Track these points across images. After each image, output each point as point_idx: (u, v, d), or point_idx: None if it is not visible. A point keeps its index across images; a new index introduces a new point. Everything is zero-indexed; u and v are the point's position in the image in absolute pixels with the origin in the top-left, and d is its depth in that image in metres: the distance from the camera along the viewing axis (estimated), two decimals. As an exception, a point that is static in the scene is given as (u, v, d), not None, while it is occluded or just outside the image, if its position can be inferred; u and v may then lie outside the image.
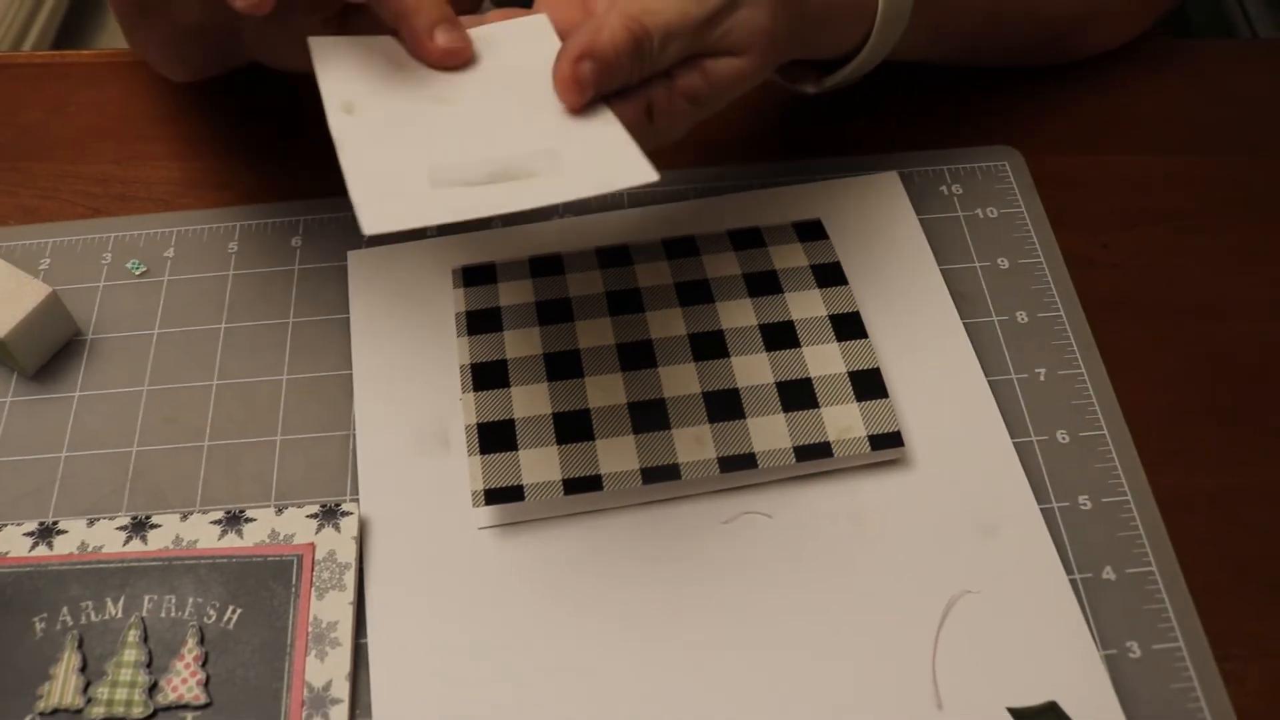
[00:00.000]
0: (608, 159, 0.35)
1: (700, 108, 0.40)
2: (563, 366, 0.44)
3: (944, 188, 0.51)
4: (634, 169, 0.34)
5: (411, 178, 0.35)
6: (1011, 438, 0.43)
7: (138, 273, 0.50)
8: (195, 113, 0.56)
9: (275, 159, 0.53)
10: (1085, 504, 0.42)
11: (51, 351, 0.47)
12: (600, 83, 0.37)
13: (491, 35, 0.40)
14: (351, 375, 0.46)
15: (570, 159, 0.35)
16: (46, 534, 0.42)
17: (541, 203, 0.34)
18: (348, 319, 0.48)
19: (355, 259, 0.50)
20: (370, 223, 0.32)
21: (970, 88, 0.54)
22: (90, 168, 0.54)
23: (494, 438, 0.42)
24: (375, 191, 0.34)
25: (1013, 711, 0.38)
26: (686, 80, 0.39)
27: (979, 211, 0.50)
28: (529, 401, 0.43)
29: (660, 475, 0.41)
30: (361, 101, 0.37)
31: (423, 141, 0.36)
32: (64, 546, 0.42)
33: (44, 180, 0.54)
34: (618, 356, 0.44)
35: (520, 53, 0.39)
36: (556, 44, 0.38)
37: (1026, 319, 0.47)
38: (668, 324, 0.45)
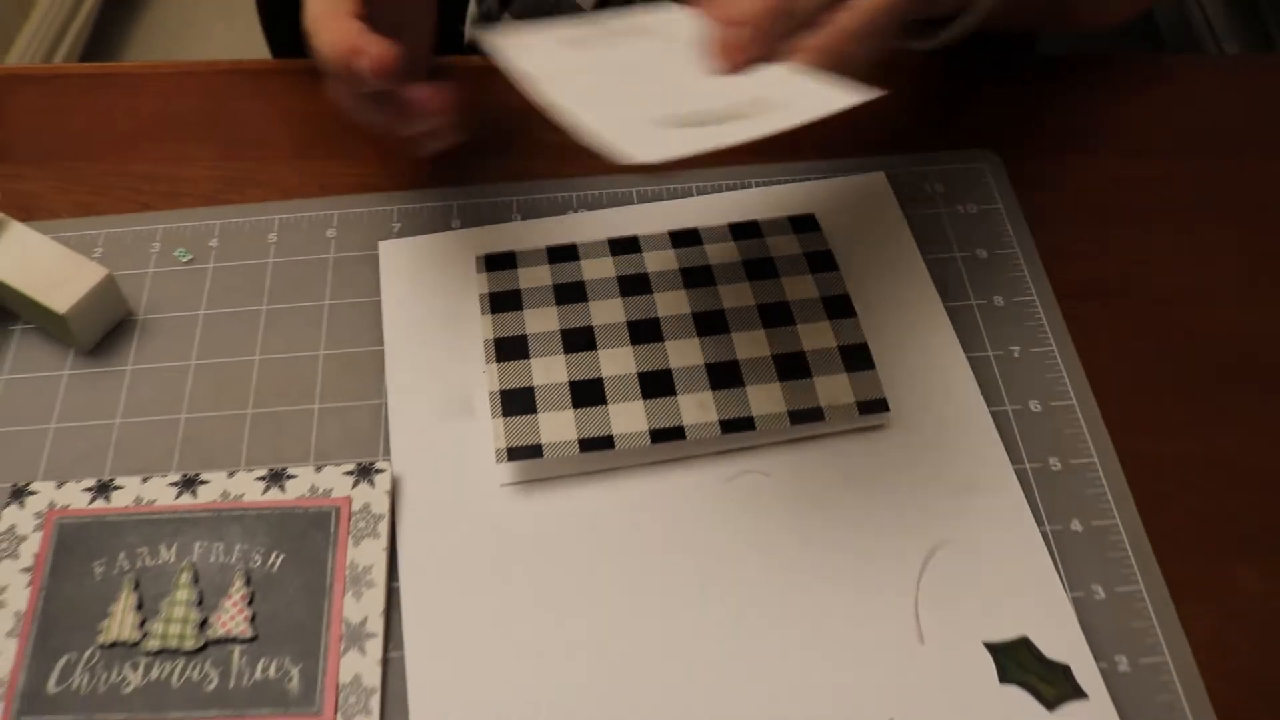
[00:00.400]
0: (816, 93, 0.39)
1: (861, 43, 0.41)
2: (578, 341, 0.48)
3: (928, 186, 0.55)
4: (848, 93, 0.38)
5: (643, 124, 0.38)
6: (988, 406, 0.47)
7: (184, 260, 0.54)
8: (235, 118, 0.60)
9: (311, 160, 0.58)
10: (1055, 465, 0.46)
11: (106, 329, 0.51)
12: (753, 46, 0.40)
13: (642, 22, 0.45)
14: (383, 351, 0.50)
15: (779, 100, 0.39)
16: (104, 490, 0.46)
17: (780, 128, 0.37)
18: (379, 301, 0.52)
19: (385, 249, 0.54)
20: (645, 153, 0.35)
21: (954, 96, 0.59)
22: (137, 167, 0.58)
23: (515, 402, 0.46)
24: (624, 133, 0.36)
25: (988, 645, 0.42)
26: (839, 20, 0.41)
27: (960, 207, 0.54)
28: (547, 371, 0.47)
29: (667, 436, 0.45)
30: (556, 76, 0.41)
31: (628, 103, 0.40)
32: (120, 500, 0.46)
33: (94, 178, 0.58)
34: (628, 332, 0.49)
35: (674, 34, 0.44)
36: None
37: (1003, 303, 0.51)
38: (674, 304, 0.50)
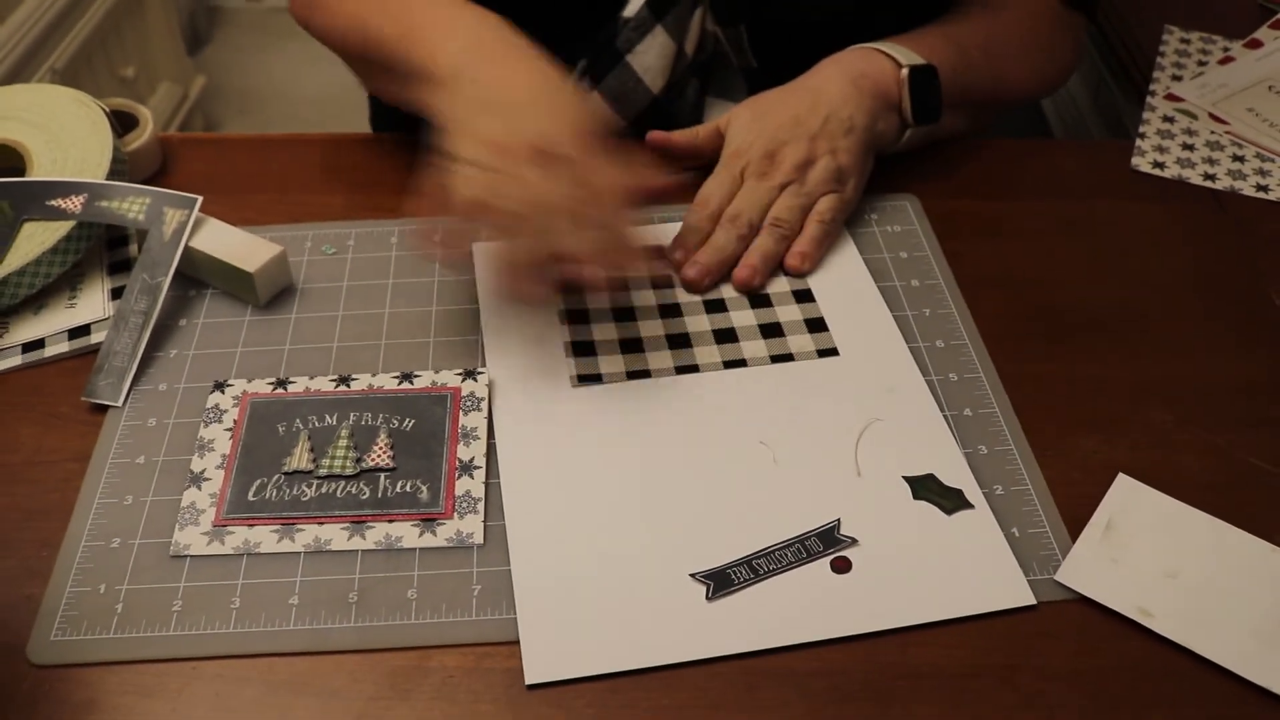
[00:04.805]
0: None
1: (834, 236, 0.74)
2: (625, 314, 0.68)
3: (866, 215, 0.77)
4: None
5: None
6: (907, 344, 0.67)
7: (330, 253, 0.74)
8: (360, 167, 0.82)
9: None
10: (954, 378, 0.65)
11: (277, 290, 0.71)
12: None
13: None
14: (478, 309, 0.70)
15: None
16: (282, 384, 0.65)
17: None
18: (473, 280, 0.72)
19: (478, 248, 0.74)
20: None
21: (891, 160, 0.81)
22: (290, 197, 0.79)
23: (582, 349, 0.66)
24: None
25: (905, 477, 0.60)
26: (809, 232, 0.73)
27: (889, 228, 0.76)
28: (603, 331, 0.67)
29: (686, 370, 0.65)
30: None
31: None
32: (294, 389, 0.65)
33: (259, 205, 0.79)
34: (659, 313, 0.69)
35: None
36: None
37: (918, 284, 0.72)
38: (690, 298, 0.70)
